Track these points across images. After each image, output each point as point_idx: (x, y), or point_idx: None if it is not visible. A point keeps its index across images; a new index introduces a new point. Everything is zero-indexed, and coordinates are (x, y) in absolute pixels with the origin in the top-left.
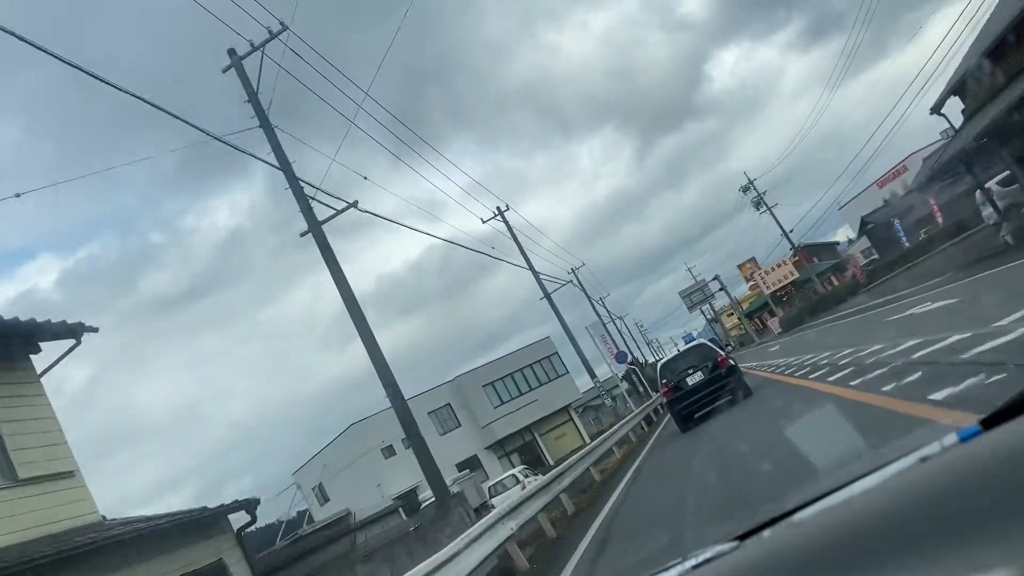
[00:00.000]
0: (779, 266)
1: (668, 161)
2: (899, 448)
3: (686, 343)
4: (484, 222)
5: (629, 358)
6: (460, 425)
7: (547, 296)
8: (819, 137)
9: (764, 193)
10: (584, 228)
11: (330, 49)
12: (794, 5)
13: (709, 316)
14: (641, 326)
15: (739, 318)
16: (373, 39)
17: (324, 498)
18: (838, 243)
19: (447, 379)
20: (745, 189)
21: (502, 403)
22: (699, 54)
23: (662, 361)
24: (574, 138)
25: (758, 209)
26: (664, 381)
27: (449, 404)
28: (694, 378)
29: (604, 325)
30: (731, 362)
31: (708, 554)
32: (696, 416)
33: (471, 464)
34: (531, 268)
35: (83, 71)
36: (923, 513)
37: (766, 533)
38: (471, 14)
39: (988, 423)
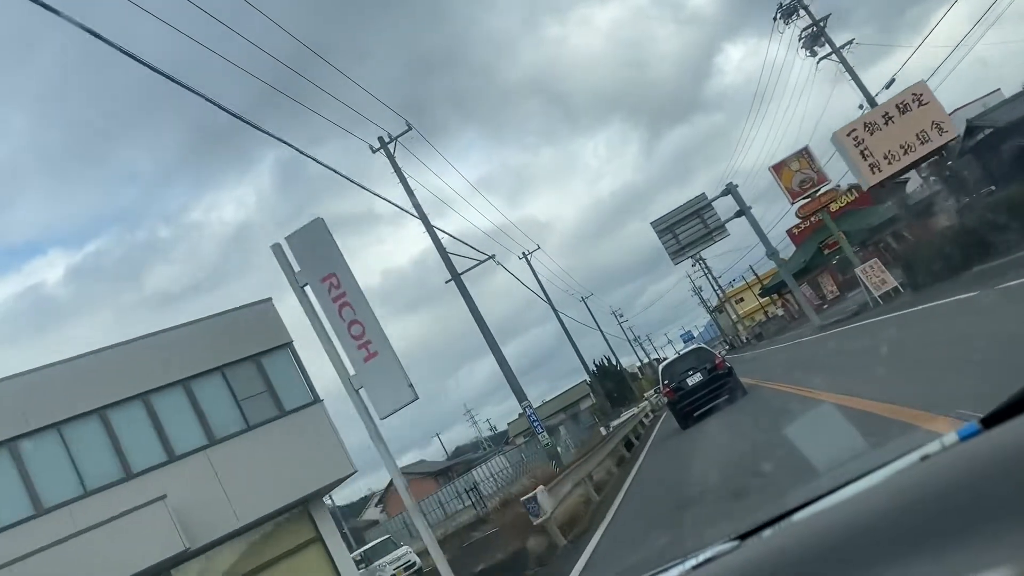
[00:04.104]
0: (902, 110)
1: (671, 158)
2: (900, 447)
3: (684, 342)
4: None
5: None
6: None
7: None
8: (822, 134)
9: (824, 23)
10: (585, 227)
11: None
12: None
13: (711, 304)
14: (620, 315)
15: (776, 279)
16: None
17: None
18: (906, 181)
19: None
20: (788, 13)
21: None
22: (707, 47)
23: (663, 364)
24: (579, 133)
25: (813, 53)
26: (666, 382)
27: None
28: (693, 379)
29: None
30: (727, 365)
31: (708, 554)
32: (695, 415)
33: None
34: None
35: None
36: (924, 512)
37: (766, 533)
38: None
39: (989, 421)
